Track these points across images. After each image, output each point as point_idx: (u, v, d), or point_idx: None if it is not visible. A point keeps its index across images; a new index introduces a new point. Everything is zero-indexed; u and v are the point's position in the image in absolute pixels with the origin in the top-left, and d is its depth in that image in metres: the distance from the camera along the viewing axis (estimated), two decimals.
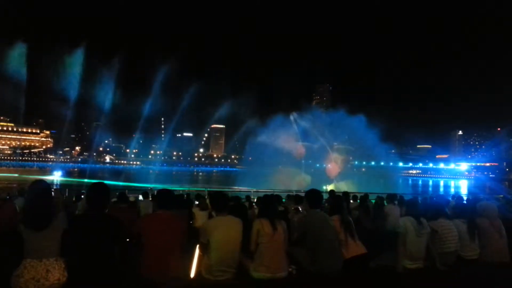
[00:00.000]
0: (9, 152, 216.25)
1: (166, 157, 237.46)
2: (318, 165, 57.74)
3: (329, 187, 39.63)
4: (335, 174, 53.76)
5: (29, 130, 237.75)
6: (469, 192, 38.64)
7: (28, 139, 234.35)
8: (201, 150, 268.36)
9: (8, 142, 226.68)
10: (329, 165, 54.01)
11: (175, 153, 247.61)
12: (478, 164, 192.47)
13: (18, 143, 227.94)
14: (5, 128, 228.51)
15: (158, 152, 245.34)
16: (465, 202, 11.64)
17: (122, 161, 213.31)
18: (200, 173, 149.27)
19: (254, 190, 25.37)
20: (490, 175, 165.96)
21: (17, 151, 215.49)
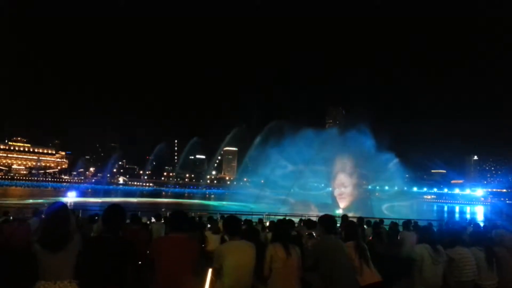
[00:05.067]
0: (25, 172, 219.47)
1: (178, 179, 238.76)
2: (330, 189, 57.09)
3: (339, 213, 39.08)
4: (347, 199, 53.00)
5: (45, 151, 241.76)
6: (486, 219, 37.73)
7: (44, 159, 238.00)
8: (214, 172, 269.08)
9: (24, 163, 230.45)
10: (342, 189, 53.31)
11: (187, 175, 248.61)
12: (494, 190, 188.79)
13: (34, 163, 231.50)
14: (21, 149, 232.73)
15: (171, 174, 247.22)
16: (481, 229, 11.37)
17: (136, 183, 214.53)
18: (212, 195, 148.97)
19: (266, 213, 25.23)
20: (507, 201, 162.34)
21: (33, 172, 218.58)
